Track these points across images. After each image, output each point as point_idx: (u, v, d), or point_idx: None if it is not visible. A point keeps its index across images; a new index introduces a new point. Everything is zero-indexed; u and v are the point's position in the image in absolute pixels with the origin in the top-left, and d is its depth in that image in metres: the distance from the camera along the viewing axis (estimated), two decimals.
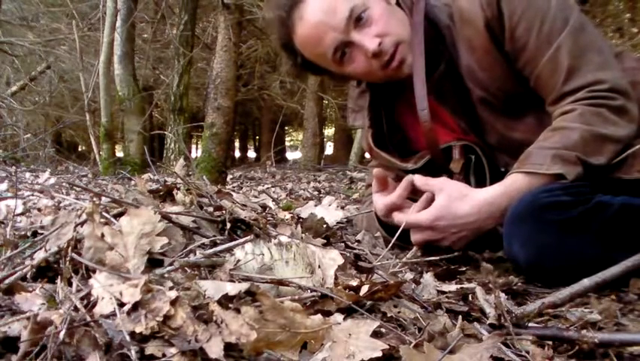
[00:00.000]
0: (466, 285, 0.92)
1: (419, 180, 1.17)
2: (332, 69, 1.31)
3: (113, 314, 0.53)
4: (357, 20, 1.20)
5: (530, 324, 0.71)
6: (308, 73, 1.41)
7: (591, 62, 1.12)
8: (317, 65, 1.32)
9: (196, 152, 15.59)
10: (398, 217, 1.18)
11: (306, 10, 1.22)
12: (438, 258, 1.09)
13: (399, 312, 0.70)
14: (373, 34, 1.20)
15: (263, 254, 0.74)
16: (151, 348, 0.50)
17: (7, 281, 0.63)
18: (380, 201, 1.23)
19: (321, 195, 3.26)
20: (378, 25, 1.21)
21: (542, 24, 1.13)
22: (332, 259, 0.76)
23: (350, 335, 0.58)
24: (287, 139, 19.14)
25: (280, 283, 0.69)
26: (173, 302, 0.53)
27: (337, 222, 1.41)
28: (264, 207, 1.43)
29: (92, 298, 0.57)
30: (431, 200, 1.15)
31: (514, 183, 1.09)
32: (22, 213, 1.21)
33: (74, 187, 2.06)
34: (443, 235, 1.12)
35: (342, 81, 1.47)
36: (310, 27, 1.22)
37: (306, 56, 1.30)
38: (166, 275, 0.63)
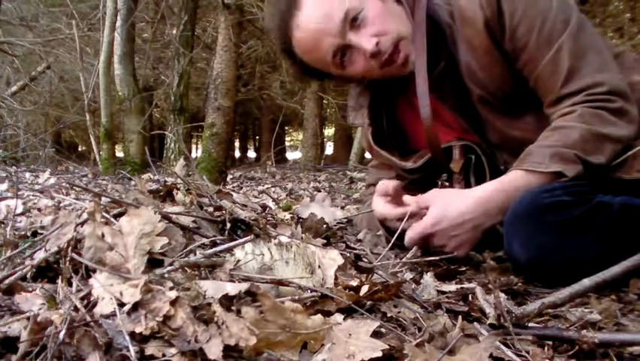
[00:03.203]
0: (466, 285, 0.92)
1: (410, 201, 1.18)
2: (333, 72, 1.32)
3: (113, 314, 0.53)
4: (353, 21, 1.20)
5: (530, 324, 0.71)
6: (310, 77, 1.42)
7: (590, 64, 1.12)
8: (318, 69, 1.32)
9: (196, 152, 15.60)
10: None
11: (302, 19, 1.22)
12: (438, 258, 1.09)
13: (399, 312, 0.70)
14: (370, 35, 1.20)
15: (263, 254, 0.74)
16: (151, 348, 0.50)
17: (7, 281, 0.63)
18: (378, 208, 1.26)
19: None
20: (375, 25, 1.20)
21: (543, 24, 1.13)
22: (332, 259, 0.76)
23: (350, 335, 0.58)
24: (287, 139, 19.11)
25: (280, 283, 0.69)
26: (173, 302, 0.53)
27: (337, 222, 1.41)
28: (264, 207, 1.43)
29: (92, 298, 0.57)
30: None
31: (512, 180, 1.09)
32: (22, 213, 1.21)
33: (74, 187, 2.06)
34: (445, 240, 1.12)
35: (344, 82, 1.47)
36: (307, 35, 1.23)
37: (306, 62, 1.31)
38: (166, 275, 0.63)
